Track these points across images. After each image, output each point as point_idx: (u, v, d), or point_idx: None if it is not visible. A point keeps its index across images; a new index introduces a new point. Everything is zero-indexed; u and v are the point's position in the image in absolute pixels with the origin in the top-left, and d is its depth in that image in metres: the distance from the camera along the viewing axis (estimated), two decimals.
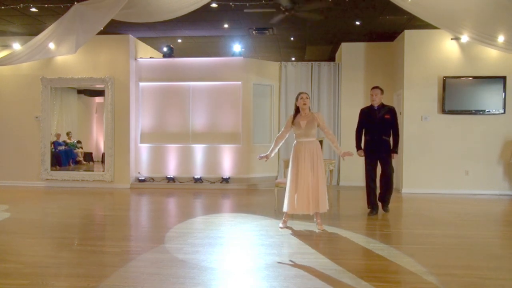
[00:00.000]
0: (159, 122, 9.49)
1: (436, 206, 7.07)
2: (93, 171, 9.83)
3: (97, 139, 10.76)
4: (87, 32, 6.60)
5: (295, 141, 5.23)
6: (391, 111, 6.03)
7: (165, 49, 9.70)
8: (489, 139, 8.44)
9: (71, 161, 10.15)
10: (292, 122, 5.22)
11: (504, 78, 8.28)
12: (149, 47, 10.30)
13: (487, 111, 8.35)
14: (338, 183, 9.66)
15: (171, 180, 9.30)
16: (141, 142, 9.48)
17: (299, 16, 7.33)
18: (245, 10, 7.43)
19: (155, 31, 9.10)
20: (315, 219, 5.25)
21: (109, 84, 9.11)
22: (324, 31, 9.14)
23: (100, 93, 9.61)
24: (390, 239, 4.84)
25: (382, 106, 6.02)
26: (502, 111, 8.30)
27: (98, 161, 10.42)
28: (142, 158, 9.50)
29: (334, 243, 4.67)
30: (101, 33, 6.65)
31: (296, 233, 5.01)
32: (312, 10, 7.22)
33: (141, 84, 9.49)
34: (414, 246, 4.59)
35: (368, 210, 6.15)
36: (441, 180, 8.53)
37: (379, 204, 6.16)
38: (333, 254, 4.22)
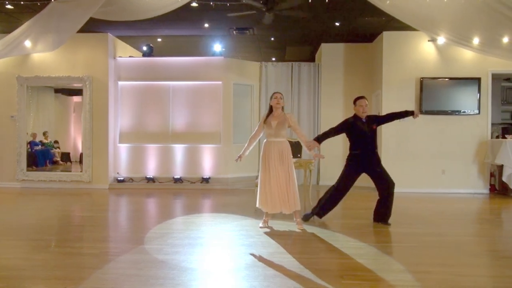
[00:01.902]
0: (139, 122, 9.39)
1: (414, 205, 7.21)
2: (70, 171, 9.66)
3: (74, 139, 10.58)
4: (66, 31, 6.51)
5: (265, 140, 5.25)
6: (373, 118, 5.57)
7: (144, 48, 9.61)
8: (464, 139, 8.63)
9: (48, 161, 9.96)
10: (264, 121, 5.25)
11: (478, 80, 8.48)
12: (128, 46, 10.19)
13: (463, 112, 8.55)
14: (318, 183, 9.74)
15: (150, 180, 9.22)
16: (120, 142, 9.37)
17: (284, 14, 7.32)
18: (228, 15, 7.41)
19: (135, 29, 9.00)
20: (294, 219, 5.29)
21: (87, 83, 8.97)
22: (304, 31, 9.21)
23: (78, 92, 9.46)
24: (368, 237, 4.90)
25: (368, 117, 5.46)
26: (477, 111, 8.51)
27: (75, 161, 10.26)
28: (121, 158, 9.39)
29: (313, 242, 4.71)
30: (79, 31, 6.55)
31: (276, 233, 5.03)
32: (293, 7, 7.22)
33: (120, 83, 9.38)
34: (392, 245, 4.68)
35: (315, 211, 5.58)
36: (418, 179, 8.69)
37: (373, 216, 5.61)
38: (312, 253, 4.26)
